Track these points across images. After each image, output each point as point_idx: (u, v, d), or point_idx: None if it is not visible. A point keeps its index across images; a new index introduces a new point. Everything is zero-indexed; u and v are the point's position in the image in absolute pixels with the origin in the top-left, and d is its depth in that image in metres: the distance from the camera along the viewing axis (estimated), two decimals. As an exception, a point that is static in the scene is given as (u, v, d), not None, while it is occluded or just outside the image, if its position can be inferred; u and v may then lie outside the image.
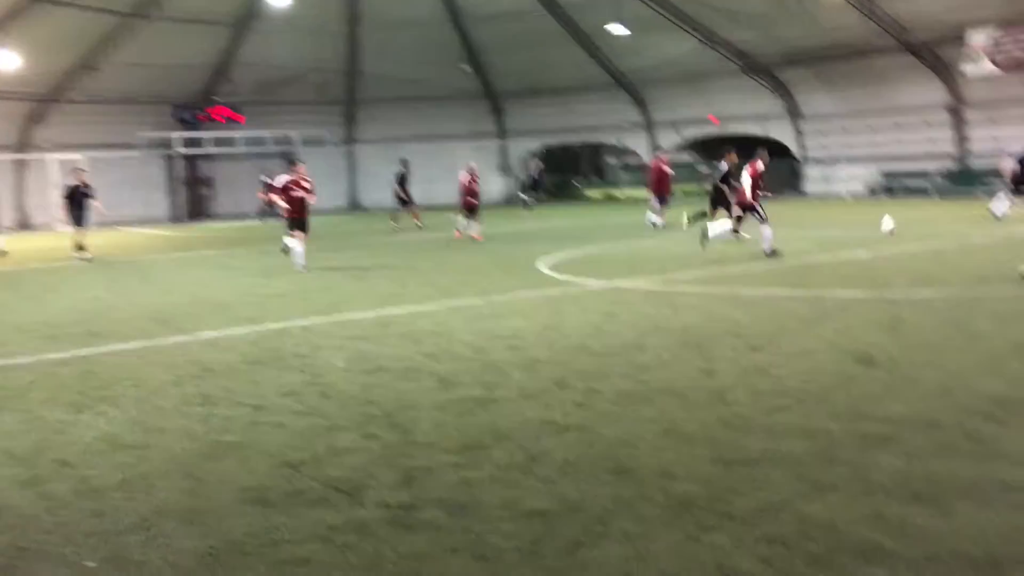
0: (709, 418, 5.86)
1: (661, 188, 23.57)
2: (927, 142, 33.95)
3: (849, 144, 36.24)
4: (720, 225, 16.98)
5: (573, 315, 10.15)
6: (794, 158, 39.37)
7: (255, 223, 33.11)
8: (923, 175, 34.03)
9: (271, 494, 4.72)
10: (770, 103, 39.20)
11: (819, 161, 38.01)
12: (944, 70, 33.15)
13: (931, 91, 33.89)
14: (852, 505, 4.27)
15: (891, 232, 18.11)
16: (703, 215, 19.40)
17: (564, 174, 47.52)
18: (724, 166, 18.76)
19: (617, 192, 47.05)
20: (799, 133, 39.12)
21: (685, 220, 20.22)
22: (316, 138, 39.50)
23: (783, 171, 39.53)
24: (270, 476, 5.02)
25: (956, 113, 33.91)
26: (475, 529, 4.18)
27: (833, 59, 34.93)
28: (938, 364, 7.07)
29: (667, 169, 24.04)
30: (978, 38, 30.77)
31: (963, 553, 3.70)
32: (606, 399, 6.43)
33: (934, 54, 32.80)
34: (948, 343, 7.85)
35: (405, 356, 8.20)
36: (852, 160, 35.80)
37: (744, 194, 15.92)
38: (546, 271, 14.62)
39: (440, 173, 35.52)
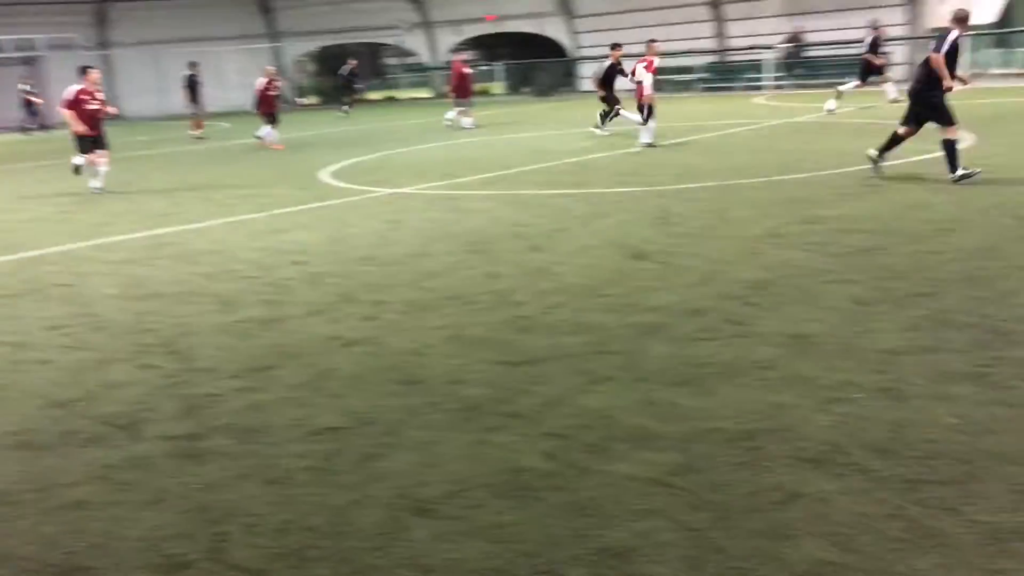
0: (495, 321, 6.02)
1: (462, 90, 23.70)
2: (691, 38, 35.59)
3: (621, 41, 37.35)
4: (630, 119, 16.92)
5: (358, 225, 10.02)
6: (568, 56, 40.19)
7: (18, 137, 30.21)
8: (687, 70, 35.74)
9: (39, 436, 4.44)
10: (544, 1, 39.55)
11: (594, 59, 38.97)
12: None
13: (694, -12, 35.41)
14: (625, 393, 4.57)
15: (831, 111, 19.95)
16: (604, 116, 19.06)
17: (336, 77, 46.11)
18: (609, 63, 18.64)
19: (399, 94, 46.32)
20: (573, 31, 39.81)
21: (599, 125, 19.32)
22: (65, 42, 36.05)
23: (559, 70, 40.36)
24: (37, 418, 4.70)
25: (716, 8, 35.65)
26: (265, 452, 4.13)
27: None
28: (702, 254, 7.58)
29: (466, 70, 24.14)
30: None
31: (722, 429, 4.05)
32: (394, 309, 6.45)
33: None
34: (711, 233, 8.41)
35: (181, 278, 7.84)
36: (624, 57, 36.95)
37: (643, 92, 16.24)
38: (330, 180, 14.29)
39: (207, 78, 33.51)
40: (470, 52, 25.00)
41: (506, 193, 11.72)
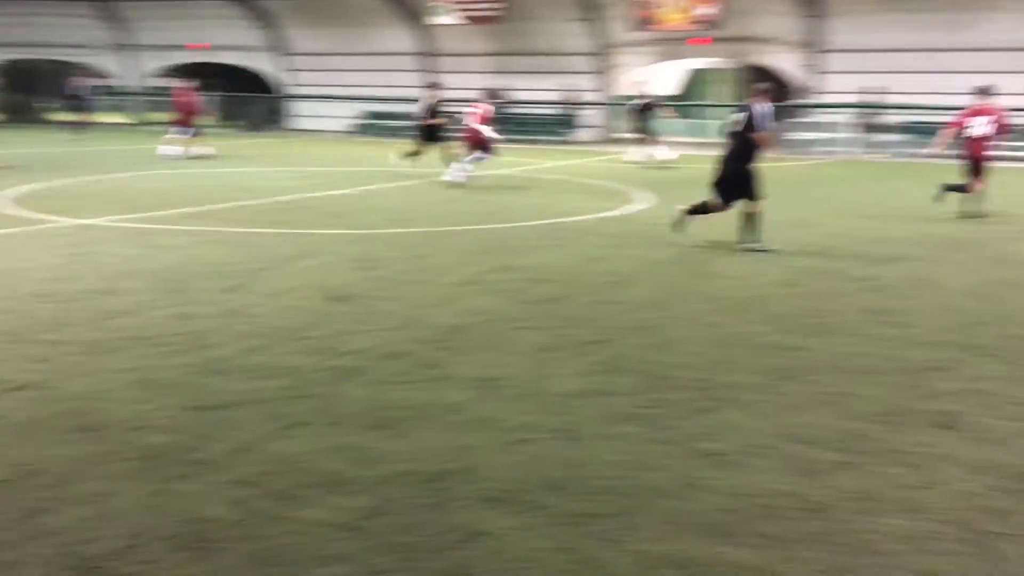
0: (186, 364, 5.77)
1: (187, 117, 23.00)
2: (404, 86, 36.44)
3: (336, 83, 37.46)
4: (457, 169, 17.61)
5: (34, 258, 9.20)
6: (274, 92, 39.76)
7: None
8: (403, 116, 36.46)
9: None
10: (256, 35, 38.92)
11: (306, 98, 38.74)
12: (414, 19, 35.88)
13: (406, 38, 36.45)
14: (319, 438, 4.56)
15: (663, 159, 22.14)
16: (416, 154, 19.29)
17: (27, 94, 42.15)
18: (430, 102, 18.95)
19: (91, 117, 43.04)
20: (287, 68, 39.43)
21: (393, 159, 19.52)
22: None
23: (271, 106, 39.69)
24: None
25: (429, 60, 36.87)
26: (-96, 512, 3.67)
27: (313, -4, 36.09)
28: (403, 298, 7.75)
29: (192, 98, 23.17)
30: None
31: (414, 472, 4.16)
32: (71, 351, 5.98)
33: (405, 3, 35.54)
34: (412, 278, 8.62)
35: None
36: (338, 99, 37.07)
37: (479, 136, 17.60)
38: (6, 206, 12.99)
39: None
40: (188, 79, 23.81)
41: (207, 229, 11.28)
